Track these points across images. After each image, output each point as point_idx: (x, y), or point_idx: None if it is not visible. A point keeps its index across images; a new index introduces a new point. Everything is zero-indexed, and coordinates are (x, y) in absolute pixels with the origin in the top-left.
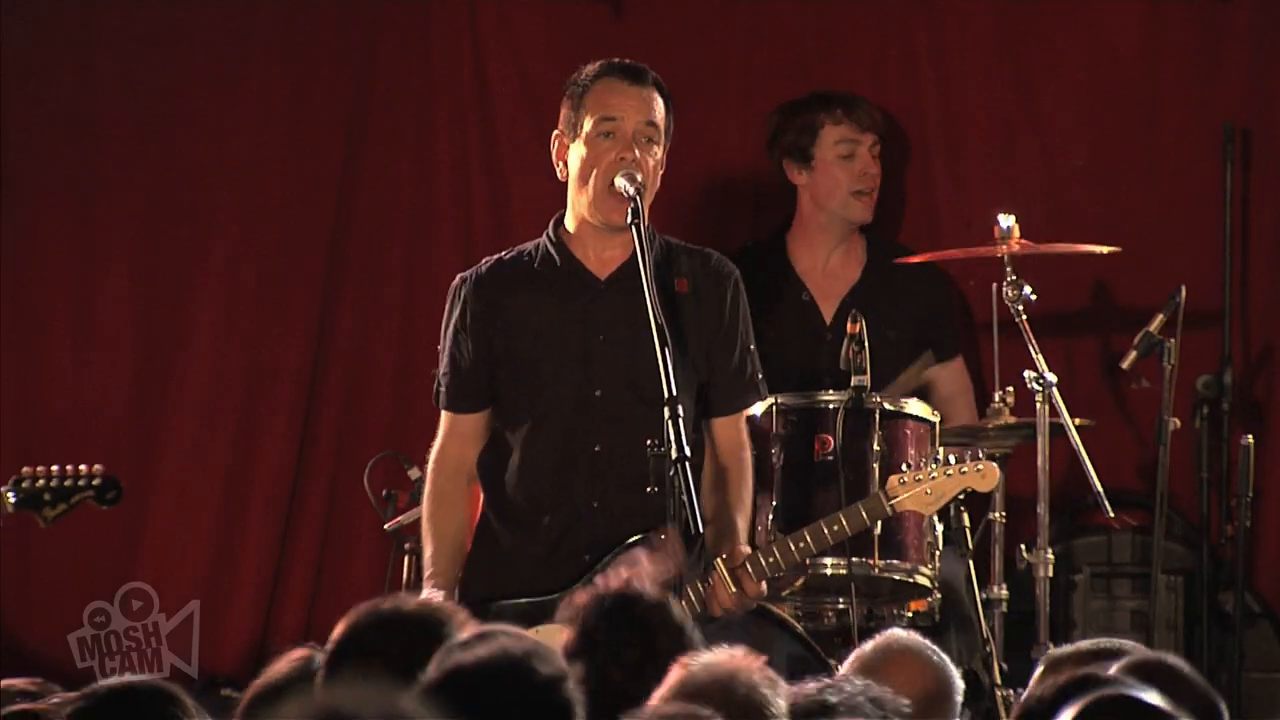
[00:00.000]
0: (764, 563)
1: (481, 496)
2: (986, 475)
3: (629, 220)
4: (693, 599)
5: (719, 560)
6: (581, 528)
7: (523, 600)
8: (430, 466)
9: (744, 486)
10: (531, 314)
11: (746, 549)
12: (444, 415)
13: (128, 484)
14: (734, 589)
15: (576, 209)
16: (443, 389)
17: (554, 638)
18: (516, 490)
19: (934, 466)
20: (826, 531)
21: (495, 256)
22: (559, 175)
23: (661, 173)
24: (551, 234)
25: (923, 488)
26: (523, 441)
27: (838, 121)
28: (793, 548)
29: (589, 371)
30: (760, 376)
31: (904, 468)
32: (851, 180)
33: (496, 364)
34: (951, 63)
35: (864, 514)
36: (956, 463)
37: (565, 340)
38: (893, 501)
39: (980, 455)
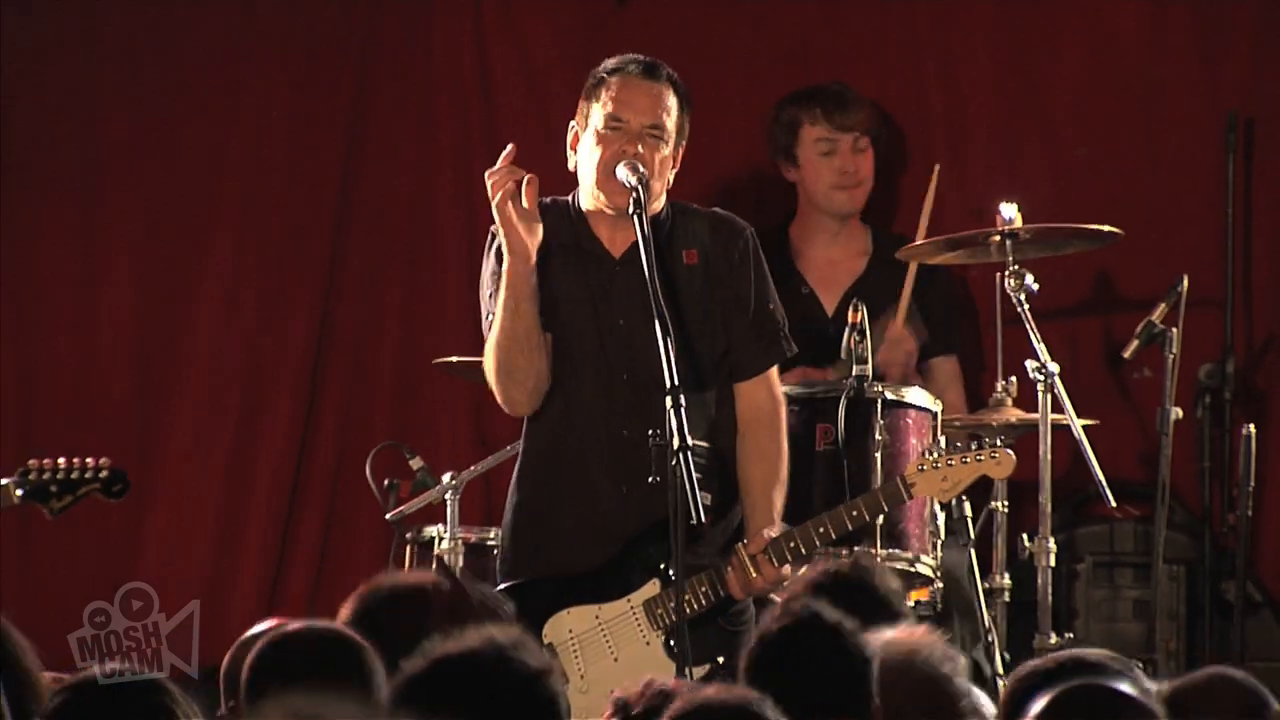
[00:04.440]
0: (785, 547)
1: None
2: (1003, 462)
3: (631, 210)
4: (707, 585)
5: (739, 545)
6: (611, 512)
7: (551, 580)
8: None
9: (774, 457)
10: (559, 284)
11: (771, 532)
12: None
13: (129, 476)
14: (754, 574)
15: (586, 197)
16: None
17: (580, 620)
18: (549, 472)
19: (952, 453)
20: (846, 518)
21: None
22: (570, 165)
23: (675, 169)
24: (574, 205)
25: (939, 474)
26: (555, 422)
27: (815, 121)
28: (813, 533)
29: (613, 355)
30: (783, 333)
31: (924, 454)
32: (832, 176)
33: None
34: (954, 52)
35: (883, 500)
36: (974, 449)
37: (588, 320)
38: (910, 487)
39: (998, 442)
